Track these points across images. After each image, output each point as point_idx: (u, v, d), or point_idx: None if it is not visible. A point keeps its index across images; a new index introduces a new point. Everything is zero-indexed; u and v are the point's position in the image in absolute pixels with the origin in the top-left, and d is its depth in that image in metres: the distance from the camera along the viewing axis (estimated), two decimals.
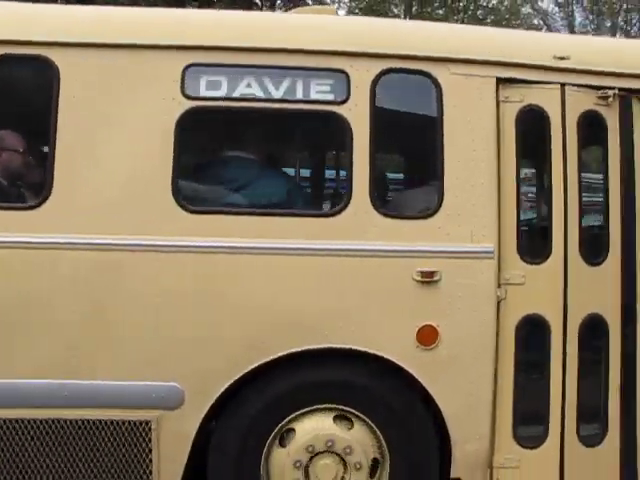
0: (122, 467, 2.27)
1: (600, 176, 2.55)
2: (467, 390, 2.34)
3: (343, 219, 2.29)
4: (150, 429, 2.25)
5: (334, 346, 2.28)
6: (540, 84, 2.41)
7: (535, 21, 26.36)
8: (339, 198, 2.52)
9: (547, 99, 2.40)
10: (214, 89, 2.31)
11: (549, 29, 25.07)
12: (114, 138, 2.26)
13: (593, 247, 2.49)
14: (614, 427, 2.45)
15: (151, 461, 2.27)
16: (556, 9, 26.51)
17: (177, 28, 2.36)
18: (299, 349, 2.26)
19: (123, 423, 2.25)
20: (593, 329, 2.46)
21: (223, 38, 2.31)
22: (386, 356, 2.29)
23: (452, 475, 2.40)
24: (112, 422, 2.25)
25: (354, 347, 2.29)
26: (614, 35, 23.67)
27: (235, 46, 2.30)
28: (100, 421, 2.24)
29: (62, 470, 2.25)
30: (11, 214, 2.25)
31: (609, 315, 2.45)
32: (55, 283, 2.22)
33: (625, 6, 25.03)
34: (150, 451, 2.27)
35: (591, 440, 2.45)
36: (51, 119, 2.23)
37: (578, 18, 25.83)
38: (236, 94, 2.32)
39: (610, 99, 2.43)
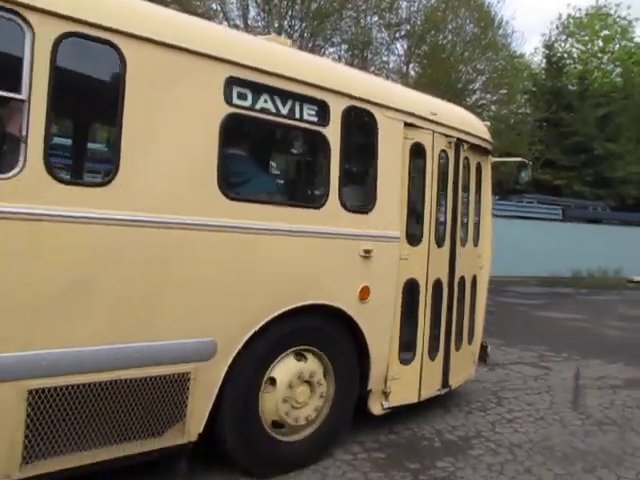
0: (167, 410, 2.83)
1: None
2: (382, 327, 3.76)
3: (324, 212, 3.35)
4: (189, 378, 2.88)
5: (312, 302, 3.32)
6: (424, 129, 3.96)
7: (214, 5, 28.59)
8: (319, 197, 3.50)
9: (428, 139, 3.98)
10: (238, 98, 3.02)
11: (226, 17, 27.64)
12: (173, 131, 2.76)
13: (441, 237, 4.20)
14: (441, 349, 4.25)
15: (187, 404, 2.90)
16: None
17: (225, 43, 2.96)
18: (295, 305, 3.22)
19: (171, 376, 2.81)
20: (437, 288, 4.18)
21: (254, 60, 3.04)
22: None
23: (368, 387, 3.76)
24: (162, 377, 2.78)
25: (324, 302, 3.39)
26: (280, 34, 27.88)
27: (260, 68, 3.06)
28: (152, 377, 2.75)
29: (122, 418, 2.67)
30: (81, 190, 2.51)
31: (445, 279, 4.22)
32: (116, 256, 2.60)
33: (291, 12, 29.46)
34: (187, 396, 2.89)
35: (433, 357, 4.18)
36: (118, 105, 2.58)
37: (252, 12, 29.16)
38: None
39: (452, 143, 4.17)
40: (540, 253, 17.28)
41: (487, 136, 4.70)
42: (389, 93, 3.83)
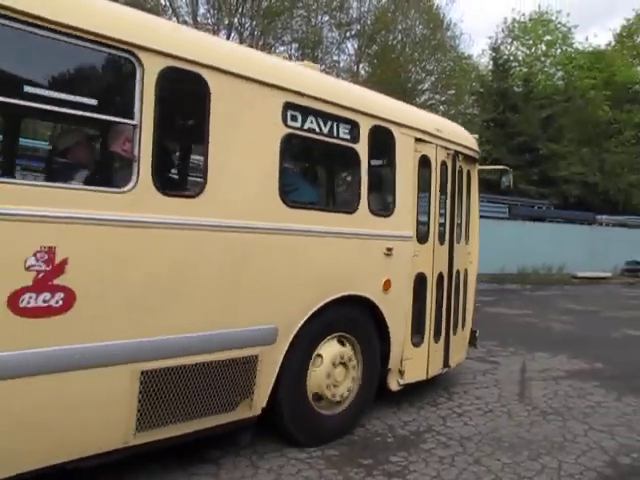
0: (239, 388, 3.43)
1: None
2: (399, 315, 4.47)
3: (357, 216, 4.02)
4: (256, 361, 3.48)
5: (348, 293, 3.98)
6: (431, 144, 4.70)
7: (162, 1, 28.51)
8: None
9: (433, 152, 4.72)
10: (292, 120, 3.64)
11: (175, 13, 27.70)
12: (246, 149, 3.36)
13: (443, 236, 4.94)
14: (443, 334, 5.00)
15: (255, 382, 3.50)
16: None
17: (282, 72, 3.58)
18: (335, 296, 3.88)
19: (243, 358, 3.40)
20: (440, 280, 4.93)
21: (303, 86, 3.67)
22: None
23: (389, 367, 4.46)
24: (236, 359, 3.37)
25: (358, 293, 4.06)
26: (230, 32, 28.20)
27: (308, 94, 3.70)
28: (229, 359, 3.33)
29: (208, 395, 3.25)
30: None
31: (445, 273, 4.98)
32: (205, 256, 3.18)
33: (241, 10, 29.72)
34: (255, 375, 3.49)
35: (437, 340, 4.93)
36: (205, 128, 3.15)
37: (202, 9, 29.26)
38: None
39: (450, 155, 4.93)
40: (488, 250, 18.23)
41: (476, 147, 5.50)
42: (404, 113, 4.54)
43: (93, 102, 2.79)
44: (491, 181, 27.26)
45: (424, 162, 4.70)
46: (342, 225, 3.94)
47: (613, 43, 33.98)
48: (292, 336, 3.67)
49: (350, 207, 4.08)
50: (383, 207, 4.37)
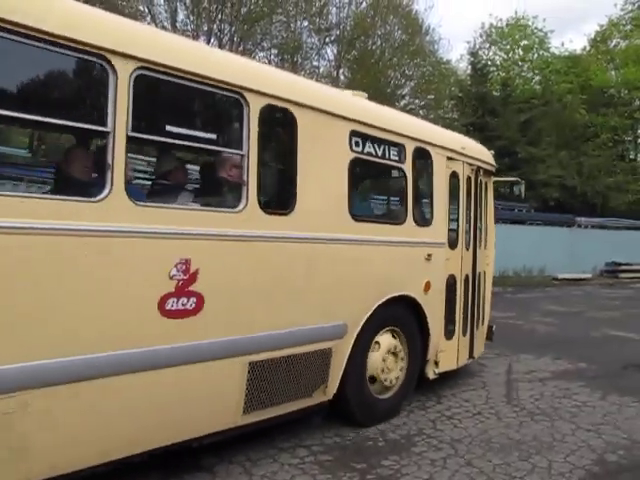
0: (316, 376, 4.14)
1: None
2: (436, 312, 5.25)
3: (405, 227, 4.77)
4: (330, 353, 4.18)
5: (399, 294, 4.72)
6: (458, 161, 5.48)
7: (141, 7, 28.89)
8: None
9: (461, 168, 5.51)
10: (356, 146, 4.37)
11: (153, 19, 28.06)
12: (323, 171, 4.08)
13: (468, 242, 5.73)
14: (468, 328, 5.78)
15: (329, 371, 4.21)
16: (162, 1, 29.63)
17: (348, 105, 4.32)
18: (390, 296, 4.62)
19: (321, 351, 4.10)
20: (466, 281, 5.71)
21: (364, 116, 4.41)
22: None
23: (427, 357, 5.21)
24: (310, 352, 4.06)
25: (406, 294, 4.80)
26: (209, 38, 28.70)
27: (367, 122, 4.43)
28: (310, 352, 4.04)
29: (295, 383, 3.95)
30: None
31: (470, 274, 5.77)
32: (295, 264, 3.88)
33: (220, 16, 30.16)
34: (329, 365, 4.20)
35: (464, 334, 5.72)
36: (294, 155, 3.86)
37: (181, 15, 29.67)
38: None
39: (473, 170, 5.73)
40: None
41: (492, 162, 6.32)
42: (438, 135, 5.35)
43: (213, 137, 3.48)
44: None
45: (453, 177, 5.49)
46: (394, 235, 4.70)
47: (588, 48, 35.64)
48: (357, 331, 4.39)
49: (400, 219, 4.85)
50: (424, 218, 5.14)
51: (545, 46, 35.08)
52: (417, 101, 33.76)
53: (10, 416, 2.62)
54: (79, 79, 3.25)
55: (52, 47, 2.76)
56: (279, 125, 3.94)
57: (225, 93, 3.51)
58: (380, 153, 4.59)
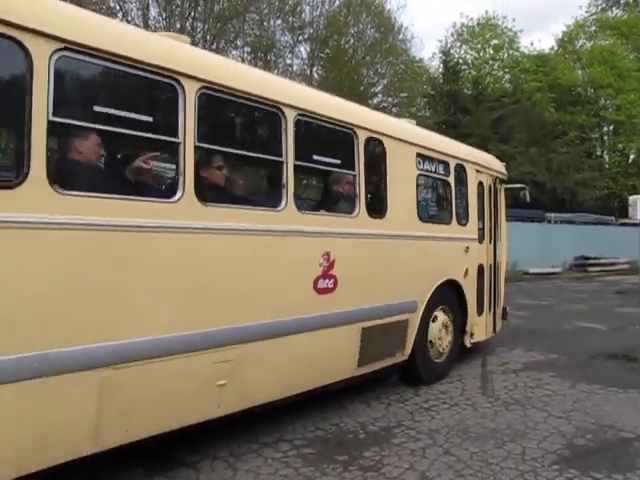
0: (398, 341, 5.83)
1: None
2: (472, 293, 7.04)
3: (451, 226, 6.50)
4: (408, 323, 5.85)
5: (449, 278, 6.41)
6: (483, 173, 7.27)
7: (112, 3, 29.58)
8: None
9: (484, 179, 7.29)
10: (419, 164, 6.04)
11: (125, 16, 28.78)
12: (401, 185, 5.75)
13: (491, 238, 7.52)
14: (492, 307, 7.58)
15: (406, 337, 5.88)
16: None
17: (416, 133, 6.03)
18: (443, 280, 6.34)
19: (401, 321, 5.77)
20: (490, 269, 7.50)
21: (425, 142, 6.11)
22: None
23: (466, 329, 6.94)
24: (396, 321, 5.71)
25: (452, 278, 6.53)
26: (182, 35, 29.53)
27: (426, 146, 6.13)
28: (394, 322, 5.69)
29: (386, 345, 5.61)
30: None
31: (492, 264, 7.59)
32: (384, 255, 5.52)
33: (193, 14, 31.00)
34: (407, 333, 5.87)
35: (490, 311, 7.51)
36: (386, 175, 5.50)
37: (153, 12, 30.40)
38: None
39: (493, 180, 7.54)
40: None
41: (504, 172, 8.13)
42: (470, 152, 7.13)
43: (339, 162, 5.10)
44: None
45: (479, 185, 7.25)
46: (445, 232, 6.40)
47: (556, 48, 38.45)
48: (423, 307, 6.07)
49: (447, 219, 6.57)
50: (463, 218, 6.87)
51: (515, 45, 37.74)
52: (390, 99, 35.07)
53: (232, 363, 4.04)
54: (156, 97, 3.97)
55: (146, 73, 3.52)
56: (375, 152, 5.55)
57: (345, 130, 5.09)
58: (433, 169, 6.30)
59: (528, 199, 8.62)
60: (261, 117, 4.63)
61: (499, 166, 8.02)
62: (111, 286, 3.30)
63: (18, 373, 2.92)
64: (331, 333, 4.95)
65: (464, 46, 38.33)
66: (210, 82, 3.85)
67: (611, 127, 37.87)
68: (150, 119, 3.69)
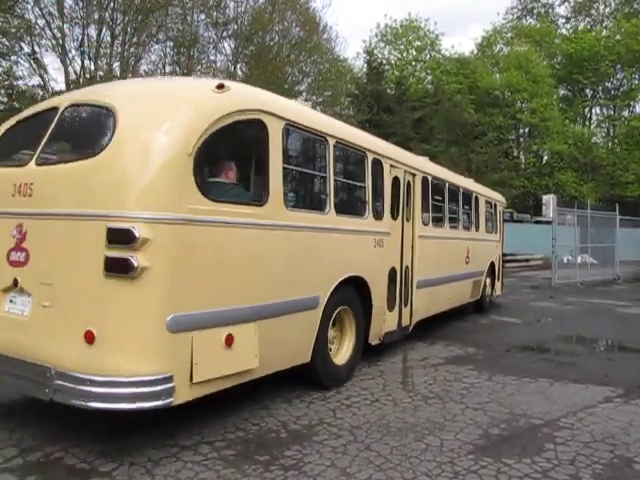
0: (476, 291, 11.53)
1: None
2: (498, 273, 13.20)
3: (479, 232, 12.31)
4: (481, 279, 11.37)
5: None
6: (493, 203, 13.48)
7: None
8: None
9: (497, 206, 13.70)
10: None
11: (38, 4, 29.40)
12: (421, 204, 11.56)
13: (501, 239, 13.52)
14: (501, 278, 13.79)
15: (480, 289, 11.40)
16: None
17: (427, 166, 11.99)
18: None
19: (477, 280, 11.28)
20: (499, 260, 13.34)
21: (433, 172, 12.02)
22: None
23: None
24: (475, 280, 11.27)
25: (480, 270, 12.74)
26: (101, 28, 30.90)
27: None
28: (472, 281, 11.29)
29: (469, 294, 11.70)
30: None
31: (501, 256, 13.43)
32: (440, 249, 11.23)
33: (113, 5, 31.62)
34: (480, 286, 11.37)
35: (499, 280, 14.11)
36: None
37: (69, 1, 30.82)
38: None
39: (501, 206, 13.80)
40: None
41: (504, 201, 15.10)
42: (483, 189, 13.97)
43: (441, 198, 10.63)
44: None
45: (495, 209, 13.48)
46: (486, 236, 12.29)
47: (475, 52, 45.72)
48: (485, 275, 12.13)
49: (474, 226, 12.71)
50: (488, 227, 13.35)
51: (437, 48, 44.91)
52: (314, 97, 38.78)
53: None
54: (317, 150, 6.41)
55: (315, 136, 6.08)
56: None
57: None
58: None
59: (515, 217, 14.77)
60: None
61: (502, 198, 15.13)
62: (303, 263, 5.66)
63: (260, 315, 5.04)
64: (467, 282, 10.97)
65: (388, 47, 44.75)
66: (340, 139, 6.47)
67: (526, 129, 46.05)
68: (323, 164, 6.31)
